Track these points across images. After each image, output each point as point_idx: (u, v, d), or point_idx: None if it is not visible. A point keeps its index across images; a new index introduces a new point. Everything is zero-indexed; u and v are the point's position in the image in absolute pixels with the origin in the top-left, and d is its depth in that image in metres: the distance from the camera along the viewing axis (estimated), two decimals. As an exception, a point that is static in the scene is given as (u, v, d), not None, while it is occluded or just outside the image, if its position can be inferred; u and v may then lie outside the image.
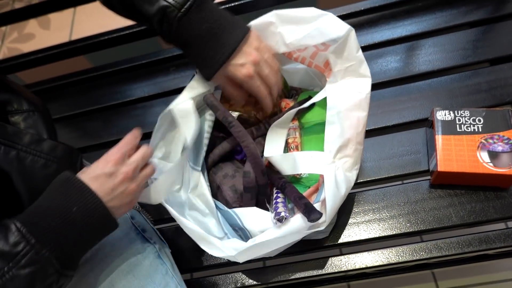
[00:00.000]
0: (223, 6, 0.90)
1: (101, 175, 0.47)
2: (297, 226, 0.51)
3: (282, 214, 0.52)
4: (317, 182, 0.58)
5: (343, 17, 0.88)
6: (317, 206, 0.52)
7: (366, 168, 0.70)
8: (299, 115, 0.63)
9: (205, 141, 0.61)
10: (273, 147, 0.60)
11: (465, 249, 0.61)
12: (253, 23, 0.58)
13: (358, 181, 0.69)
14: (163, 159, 0.60)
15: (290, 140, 0.62)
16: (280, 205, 0.55)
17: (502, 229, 0.62)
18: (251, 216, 0.57)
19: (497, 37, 0.78)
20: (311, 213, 0.50)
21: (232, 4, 0.89)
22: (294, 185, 0.56)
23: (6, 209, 0.48)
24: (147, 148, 0.52)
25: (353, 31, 0.55)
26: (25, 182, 0.49)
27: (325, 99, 0.57)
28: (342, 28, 0.54)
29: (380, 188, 0.68)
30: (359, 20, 0.87)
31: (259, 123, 0.64)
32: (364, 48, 0.84)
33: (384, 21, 0.86)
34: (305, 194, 0.56)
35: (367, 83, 0.57)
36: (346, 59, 0.55)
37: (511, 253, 0.67)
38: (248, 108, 0.64)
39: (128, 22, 0.66)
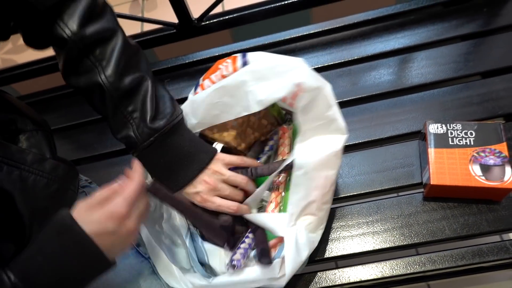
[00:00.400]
0: (222, 18, 0.90)
1: (104, 233, 0.42)
2: (253, 277, 0.52)
3: (235, 262, 0.54)
4: None
5: (337, 30, 0.89)
6: (277, 262, 0.52)
7: (360, 181, 0.70)
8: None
9: None
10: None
11: (459, 262, 0.61)
12: (225, 82, 0.56)
13: (351, 193, 0.69)
14: None
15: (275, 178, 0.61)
16: (240, 251, 0.56)
17: (495, 242, 0.62)
18: (216, 256, 0.58)
19: (488, 50, 0.79)
20: (262, 257, 0.53)
21: (230, 16, 0.90)
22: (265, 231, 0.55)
23: (7, 230, 0.48)
24: (148, 199, 0.49)
25: (327, 86, 0.52)
26: (27, 202, 0.48)
27: None
28: (317, 82, 0.51)
29: (374, 201, 0.68)
30: (352, 33, 0.88)
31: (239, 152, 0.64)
32: (358, 61, 0.85)
33: (377, 34, 0.87)
34: (273, 240, 0.57)
35: (340, 139, 0.55)
36: (314, 118, 0.53)
37: (505, 265, 0.67)
38: (228, 140, 0.63)
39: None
